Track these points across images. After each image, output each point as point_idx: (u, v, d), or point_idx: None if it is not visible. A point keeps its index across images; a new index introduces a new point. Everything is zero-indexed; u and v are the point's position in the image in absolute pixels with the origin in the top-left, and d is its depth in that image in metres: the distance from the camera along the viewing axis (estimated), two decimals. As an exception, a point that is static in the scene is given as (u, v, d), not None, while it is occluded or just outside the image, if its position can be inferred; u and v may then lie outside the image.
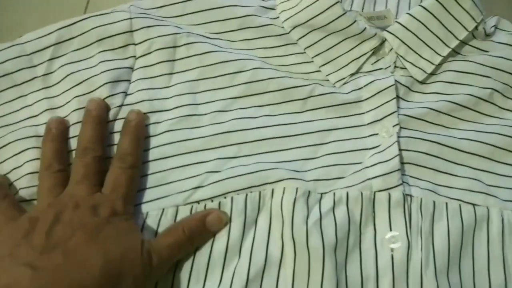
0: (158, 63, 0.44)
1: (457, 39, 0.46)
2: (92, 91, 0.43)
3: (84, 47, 0.44)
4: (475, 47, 0.47)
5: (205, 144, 0.42)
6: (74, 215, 0.36)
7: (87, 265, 0.34)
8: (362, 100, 0.44)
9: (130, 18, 0.45)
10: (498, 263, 0.39)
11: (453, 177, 0.42)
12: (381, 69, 0.46)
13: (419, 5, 0.46)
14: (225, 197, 0.40)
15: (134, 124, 0.41)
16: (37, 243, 0.34)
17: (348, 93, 0.45)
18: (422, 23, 0.46)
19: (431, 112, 0.44)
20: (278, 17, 0.48)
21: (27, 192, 0.40)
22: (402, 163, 0.41)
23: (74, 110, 0.42)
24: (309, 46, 0.46)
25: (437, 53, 0.46)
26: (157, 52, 0.44)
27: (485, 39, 0.47)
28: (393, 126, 0.43)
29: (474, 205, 0.40)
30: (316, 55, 0.46)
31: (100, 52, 0.44)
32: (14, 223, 0.36)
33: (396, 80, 0.45)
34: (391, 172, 0.40)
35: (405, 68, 0.46)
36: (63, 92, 0.43)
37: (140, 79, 0.44)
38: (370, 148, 0.42)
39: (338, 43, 0.46)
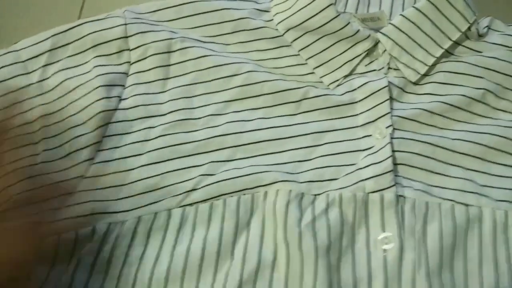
0: (153, 68, 0.45)
1: (450, 39, 0.46)
2: (86, 94, 0.43)
3: (79, 53, 0.45)
4: (468, 47, 0.47)
5: (200, 148, 0.42)
6: None
7: None
8: (356, 102, 0.44)
9: (125, 24, 0.45)
10: (490, 263, 0.39)
11: (446, 177, 0.42)
12: (374, 70, 0.46)
13: (412, 7, 0.46)
14: (217, 199, 0.40)
15: None
16: None
17: (342, 95, 0.45)
18: (415, 24, 0.46)
19: (424, 113, 0.44)
20: (272, 20, 0.48)
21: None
22: (395, 164, 0.41)
23: (70, 116, 0.42)
24: (303, 49, 0.47)
25: (430, 54, 0.46)
26: (152, 57, 0.45)
27: (478, 40, 0.48)
28: (386, 128, 0.43)
29: (466, 205, 0.40)
30: (310, 57, 0.46)
31: (95, 57, 0.44)
32: None
33: (389, 82, 0.45)
34: (383, 174, 0.40)
35: (399, 69, 0.46)
36: (58, 98, 0.43)
37: (135, 84, 0.44)
38: (364, 150, 0.43)
39: (332, 45, 0.46)
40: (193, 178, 0.41)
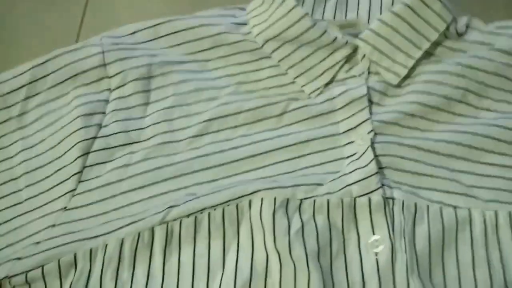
0: (133, 94, 0.45)
1: (429, 40, 0.46)
2: (65, 126, 0.43)
3: (58, 84, 0.45)
4: (448, 47, 0.47)
5: (183, 170, 0.42)
6: None
7: None
8: (336, 110, 0.45)
9: (102, 52, 0.46)
10: (483, 264, 0.39)
11: (433, 179, 0.42)
12: (355, 76, 0.46)
13: (389, 11, 0.46)
14: (201, 213, 0.40)
15: None
16: None
17: (322, 103, 0.45)
18: (393, 28, 0.46)
19: (406, 116, 0.44)
20: (250, 32, 0.48)
21: None
22: (381, 168, 0.42)
23: (49, 150, 0.43)
24: (282, 59, 0.47)
25: (410, 56, 0.46)
26: (132, 83, 0.45)
27: (458, 39, 0.47)
28: (368, 133, 0.43)
29: (455, 207, 0.40)
30: (290, 67, 0.46)
31: (75, 88, 0.45)
32: None
33: (370, 87, 0.45)
34: (368, 177, 0.40)
35: (379, 73, 0.46)
36: (38, 131, 0.44)
37: (115, 110, 0.44)
38: (347, 157, 0.43)
39: (311, 53, 0.46)
40: (175, 199, 0.41)
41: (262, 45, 0.47)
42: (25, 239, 0.40)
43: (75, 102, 0.44)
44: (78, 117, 0.43)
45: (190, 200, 0.40)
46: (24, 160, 0.43)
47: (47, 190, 0.42)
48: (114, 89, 0.45)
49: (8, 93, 0.45)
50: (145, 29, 0.48)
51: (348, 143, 0.43)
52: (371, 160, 0.41)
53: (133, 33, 0.47)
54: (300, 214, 0.39)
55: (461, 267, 0.39)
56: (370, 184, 0.40)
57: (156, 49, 0.47)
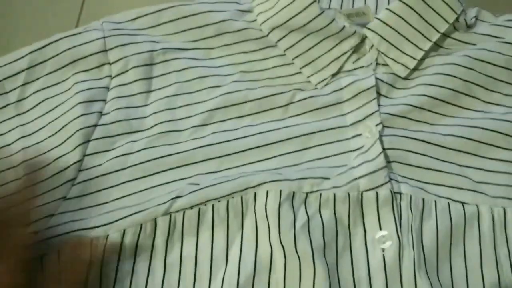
0: (135, 81, 0.44)
1: (438, 32, 0.45)
2: (65, 113, 0.42)
3: (57, 70, 0.44)
4: (457, 39, 0.46)
5: (186, 160, 0.41)
6: None
7: None
8: (343, 101, 0.44)
9: (104, 37, 0.44)
10: (491, 261, 0.38)
11: (441, 174, 0.41)
12: (362, 67, 0.45)
13: (398, 0, 0.45)
14: (205, 204, 0.39)
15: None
16: None
17: (329, 94, 0.44)
18: (402, 18, 0.45)
19: (414, 109, 0.43)
20: (255, 20, 0.47)
21: None
22: (388, 162, 0.41)
23: (47, 138, 0.42)
24: (288, 48, 0.46)
25: (419, 48, 0.45)
26: (133, 70, 0.44)
27: (467, 31, 0.47)
28: (376, 126, 0.42)
29: (463, 203, 0.40)
30: (296, 57, 0.45)
31: (75, 74, 0.44)
32: None
33: (378, 78, 0.44)
34: (376, 171, 0.40)
35: (387, 65, 0.45)
36: (36, 118, 0.43)
37: (116, 98, 0.43)
38: (355, 150, 0.42)
39: (318, 43, 0.45)
40: (178, 189, 0.40)
41: (268, 34, 0.46)
42: None
43: (75, 88, 0.43)
44: (78, 103, 0.42)
45: (194, 191, 0.39)
46: (23, 148, 0.42)
47: (47, 179, 0.40)
48: (115, 76, 0.44)
49: (5, 78, 0.43)
50: (147, 15, 0.46)
51: (355, 135, 0.42)
52: (380, 154, 0.40)
53: (135, 19, 0.46)
54: (305, 208, 0.38)
55: (469, 264, 0.38)
56: (378, 178, 0.39)
57: (158, 36, 0.46)
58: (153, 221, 0.39)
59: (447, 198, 0.40)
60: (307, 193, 0.39)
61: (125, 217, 0.39)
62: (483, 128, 0.43)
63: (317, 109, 0.43)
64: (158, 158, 0.41)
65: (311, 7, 0.45)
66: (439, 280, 0.37)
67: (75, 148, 0.41)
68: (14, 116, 0.43)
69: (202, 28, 0.46)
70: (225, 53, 0.46)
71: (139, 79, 0.44)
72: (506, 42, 0.45)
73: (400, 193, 0.39)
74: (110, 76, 0.44)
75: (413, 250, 0.37)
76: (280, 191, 0.38)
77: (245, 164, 0.41)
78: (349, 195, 0.39)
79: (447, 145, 0.42)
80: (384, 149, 0.41)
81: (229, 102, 0.43)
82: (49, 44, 0.44)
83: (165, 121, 0.43)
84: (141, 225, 0.39)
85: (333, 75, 0.45)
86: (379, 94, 0.44)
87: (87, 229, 0.39)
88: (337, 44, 0.45)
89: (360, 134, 0.42)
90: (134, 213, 0.39)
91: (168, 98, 0.43)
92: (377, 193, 0.39)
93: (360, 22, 0.46)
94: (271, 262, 0.37)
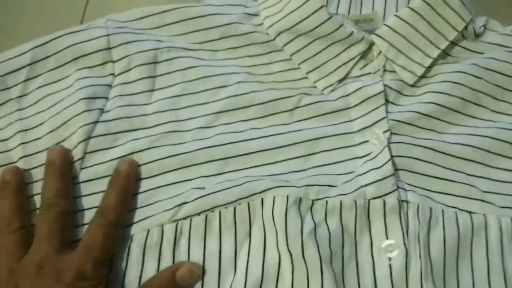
0: (138, 79, 0.43)
1: (447, 40, 0.45)
2: (66, 108, 0.41)
3: (60, 66, 0.43)
4: (465, 48, 0.46)
5: (189, 161, 0.40)
6: (35, 283, 0.33)
7: None
8: (350, 107, 0.43)
9: (107, 35, 0.44)
10: (498, 272, 0.38)
11: (448, 183, 0.40)
12: (370, 73, 0.45)
13: (407, 7, 0.45)
14: (212, 211, 0.38)
15: (123, 176, 0.38)
16: None
17: (336, 100, 0.43)
18: (411, 25, 0.44)
19: (422, 117, 0.43)
20: (262, 24, 0.46)
21: None
22: (396, 169, 0.40)
23: (48, 133, 0.41)
24: (295, 53, 0.45)
25: (427, 55, 0.45)
26: (137, 68, 0.43)
27: (475, 40, 0.46)
28: (384, 132, 0.41)
29: (470, 213, 0.39)
30: (303, 62, 0.45)
31: (77, 70, 0.43)
32: None
33: (385, 85, 0.43)
34: (384, 178, 0.39)
35: (395, 72, 0.45)
36: (37, 113, 0.42)
37: (118, 95, 0.42)
38: (362, 157, 0.41)
39: (325, 48, 0.45)
40: (184, 192, 0.39)
41: (274, 38, 0.45)
42: None
43: (77, 84, 0.42)
44: (80, 99, 0.41)
45: (200, 197, 0.38)
46: (22, 143, 0.41)
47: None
48: (118, 74, 0.43)
49: (7, 74, 0.42)
50: (151, 15, 0.46)
51: (362, 142, 0.42)
52: (388, 161, 0.40)
53: (139, 18, 0.45)
54: (312, 215, 0.38)
55: (476, 275, 0.38)
56: (386, 186, 0.39)
57: (163, 36, 0.45)
58: (159, 228, 0.38)
59: (455, 207, 0.39)
60: (313, 200, 0.38)
61: (131, 224, 0.38)
62: (491, 138, 0.42)
63: (324, 114, 0.43)
64: (161, 159, 0.40)
65: (320, 12, 0.44)
66: None
67: (77, 145, 0.40)
68: (14, 111, 0.42)
69: (207, 30, 0.45)
70: (230, 56, 0.45)
71: (143, 78, 0.43)
72: None
73: (407, 202, 0.39)
74: (113, 74, 0.43)
75: (420, 260, 0.36)
76: (287, 197, 0.38)
77: (249, 168, 0.40)
78: (356, 202, 0.38)
79: (455, 153, 0.41)
80: (391, 156, 0.40)
81: (235, 105, 0.43)
82: (52, 40, 0.43)
83: (169, 122, 0.42)
84: (148, 231, 0.38)
85: (340, 81, 0.44)
86: (386, 100, 0.43)
87: None
88: (345, 50, 0.45)
89: (367, 141, 0.42)
90: (141, 220, 0.38)
91: (171, 98, 0.43)
92: (384, 201, 0.38)
93: (368, 28, 0.46)
94: (278, 270, 0.36)
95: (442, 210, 0.39)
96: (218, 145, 0.41)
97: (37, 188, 0.39)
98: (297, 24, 0.45)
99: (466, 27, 0.46)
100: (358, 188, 0.39)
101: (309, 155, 0.41)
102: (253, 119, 0.42)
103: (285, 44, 0.45)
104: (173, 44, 0.45)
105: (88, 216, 0.38)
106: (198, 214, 0.38)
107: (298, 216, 0.37)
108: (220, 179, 0.40)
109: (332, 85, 0.44)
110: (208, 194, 0.38)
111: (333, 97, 0.44)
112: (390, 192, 0.39)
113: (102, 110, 0.42)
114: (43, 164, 0.39)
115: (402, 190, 0.39)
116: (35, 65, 0.43)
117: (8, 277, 0.34)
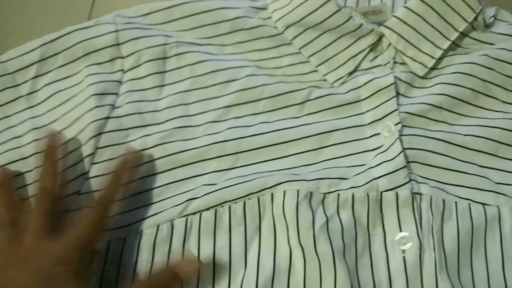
0: (148, 75, 0.43)
1: (457, 31, 0.45)
2: (78, 105, 0.41)
3: (69, 63, 0.43)
4: (475, 39, 0.46)
5: (200, 156, 0.40)
6: (23, 265, 0.33)
7: None
8: (361, 100, 0.43)
9: (116, 31, 0.43)
10: None
11: (461, 175, 0.40)
12: (380, 65, 0.44)
13: None
14: (222, 206, 0.38)
15: (117, 165, 0.39)
16: None
17: (346, 93, 0.43)
18: (420, 16, 0.44)
19: (434, 109, 0.42)
20: (270, 17, 0.46)
21: None
22: (408, 162, 0.40)
23: (62, 129, 0.40)
24: (304, 46, 0.45)
25: (437, 47, 0.44)
26: (146, 64, 0.43)
27: (485, 31, 0.46)
28: (395, 125, 0.41)
29: (484, 204, 0.39)
30: (312, 55, 0.44)
31: (87, 66, 0.43)
32: None
33: (396, 77, 0.43)
34: (396, 170, 0.39)
35: (405, 63, 0.44)
36: (49, 111, 0.42)
37: (129, 91, 0.42)
38: (373, 149, 0.41)
39: (334, 41, 0.45)
40: (194, 189, 0.39)
41: (283, 31, 0.45)
42: None
43: (87, 80, 0.42)
44: (91, 95, 0.41)
45: (210, 192, 0.38)
46: (35, 140, 0.40)
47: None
48: (127, 70, 0.43)
49: (16, 71, 0.42)
50: (159, 10, 0.45)
51: (374, 134, 0.41)
52: (400, 153, 0.39)
53: (147, 14, 0.45)
54: (324, 209, 0.37)
55: (490, 266, 0.37)
56: (398, 178, 0.38)
57: (171, 32, 0.45)
58: (169, 223, 0.38)
59: (468, 199, 0.39)
60: (324, 194, 0.38)
61: (141, 220, 0.38)
62: (502, 129, 0.42)
63: (334, 107, 0.42)
64: (172, 154, 0.40)
65: (328, 4, 0.44)
66: (460, 282, 0.36)
67: (88, 141, 0.40)
68: (25, 109, 0.42)
69: (215, 25, 0.45)
70: (238, 50, 0.45)
71: (152, 73, 0.43)
72: None
73: (420, 194, 0.39)
74: (122, 70, 0.43)
75: (434, 252, 0.36)
76: (298, 191, 0.37)
77: (260, 162, 0.40)
78: (368, 195, 0.38)
79: (467, 145, 0.41)
80: (403, 149, 0.40)
81: (244, 99, 0.42)
82: (61, 36, 0.43)
83: (179, 117, 0.42)
84: (158, 226, 0.38)
85: (350, 74, 0.44)
86: (397, 93, 0.43)
87: (104, 230, 0.38)
88: (354, 42, 0.45)
89: (379, 133, 0.41)
90: (151, 215, 0.38)
91: (181, 93, 0.43)
92: (397, 193, 0.38)
93: (377, 20, 0.46)
94: (290, 264, 0.36)
95: (456, 202, 0.39)
96: (229, 140, 0.41)
97: None
98: (305, 17, 0.44)
99: (476, 18, 0.45)
100: (370, 181, 0.39)
101: (320, 148, 0.41)
102: (263, 112, 0.42)
103: (294, 38, 0.45)
104: (182, 39, 0.44)
105: None
106: (208, 209, 0.38)
107: (309, 210, 0.37)
108: (231, 175, 0.40)
109: (342, 78, 0.44)
110: (218, 190, 0.38)
111: (343, 90, 0.43)
112: (402, 185, 0.38)
113: (113, 106, 0.41)
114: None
115: (414, 183, 0.39)
116: (45, 61, 0.43)
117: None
